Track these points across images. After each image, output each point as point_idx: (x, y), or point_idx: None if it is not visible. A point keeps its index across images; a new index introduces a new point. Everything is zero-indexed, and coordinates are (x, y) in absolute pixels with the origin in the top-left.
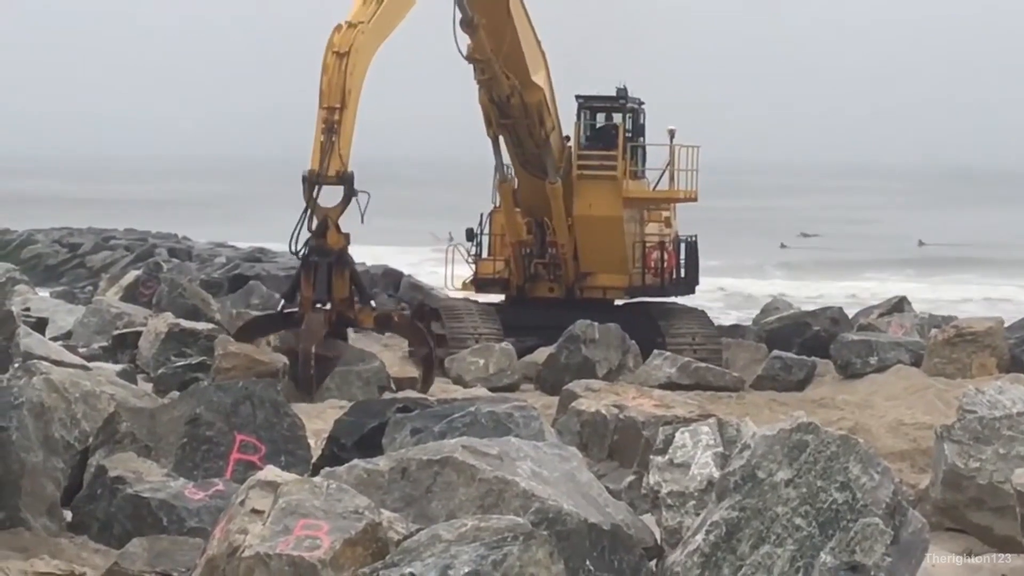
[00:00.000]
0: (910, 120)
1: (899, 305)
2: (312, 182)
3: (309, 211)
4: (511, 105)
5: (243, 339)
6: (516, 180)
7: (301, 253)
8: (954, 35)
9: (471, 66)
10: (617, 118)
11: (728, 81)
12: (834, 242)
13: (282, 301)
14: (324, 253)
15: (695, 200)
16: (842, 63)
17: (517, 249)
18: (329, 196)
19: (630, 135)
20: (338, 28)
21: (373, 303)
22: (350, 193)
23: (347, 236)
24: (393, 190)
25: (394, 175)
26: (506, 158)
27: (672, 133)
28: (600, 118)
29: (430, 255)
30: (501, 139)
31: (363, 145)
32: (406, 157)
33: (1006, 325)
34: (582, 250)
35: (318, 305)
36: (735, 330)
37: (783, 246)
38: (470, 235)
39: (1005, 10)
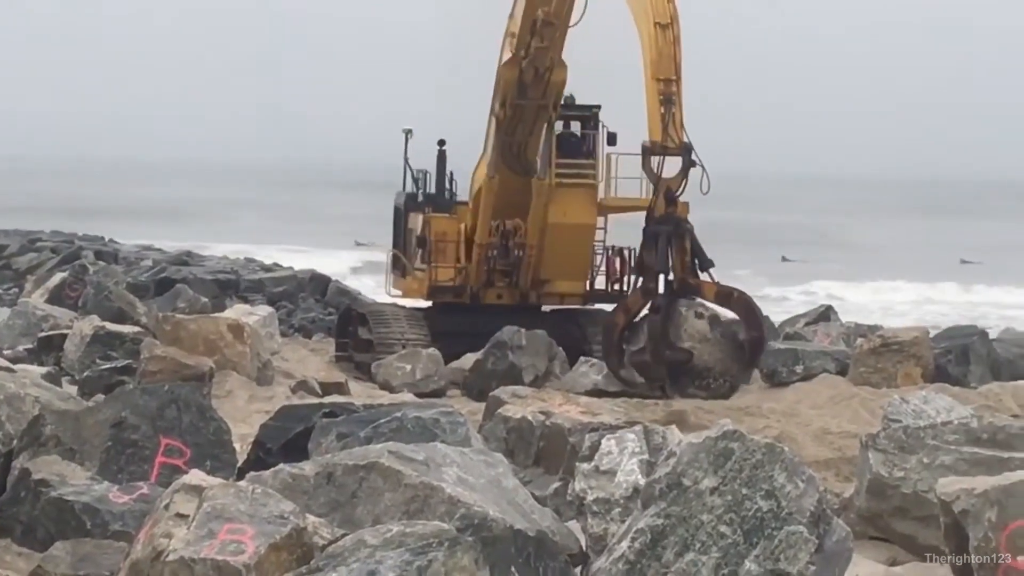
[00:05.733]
0: (881, 130)
1: (825, 314)
2: (654, 153)
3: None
4: (539, 81)
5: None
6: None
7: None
8: (949, 41)
9: (532, 35)
10: (585, 127)
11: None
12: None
13: (636, 275)
14: (669, 222)
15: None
16: (819, 72)
17: (484, 251)
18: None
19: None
20: None
21: (712, 274)
22: (689, 163)
23: (686, 205)
24: (316, 194)
25: (316, 180)
26: None
27: (612, 137)
28: (571, 126)
29: (354, 261)
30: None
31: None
32: (344, 161)
33: (931, 335)
34: (547, 256)
35: (661, 275)
36: None
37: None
38: (422, 242)
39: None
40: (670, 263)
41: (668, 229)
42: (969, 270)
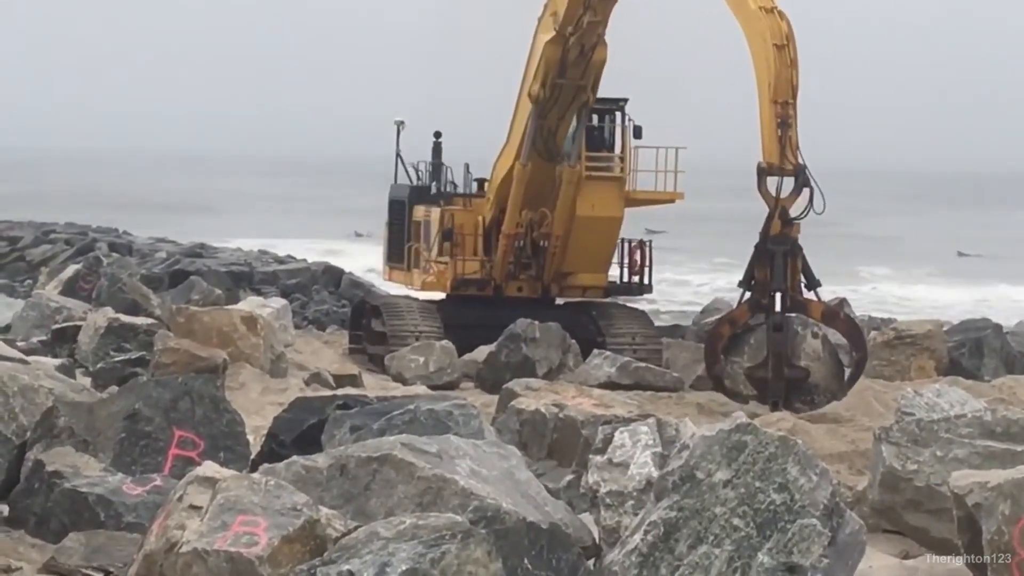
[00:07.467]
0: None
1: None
2: (769, 174)
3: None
4: (582, 60)
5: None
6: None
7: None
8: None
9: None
10: (609, 120)
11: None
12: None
13: (743, 291)
14: (783, 241)
15: (672, 201)
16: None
17: (511, 242)
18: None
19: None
20: (765, 12)
21: (819, 293)
22: (803, 184)
23: (798, 225)
24: (314, 188)
25: (324, 172)
26: None
27: (638, 130)
28: (593, 119)
29: (352, 249)
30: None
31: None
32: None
33: (945, 328)
34: (572, 248)
35: (774, 292)
36: (675, 330)
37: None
38: (448, 234)
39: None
40: (786, 281)
41: (784, 248)
42: (968, 263)
